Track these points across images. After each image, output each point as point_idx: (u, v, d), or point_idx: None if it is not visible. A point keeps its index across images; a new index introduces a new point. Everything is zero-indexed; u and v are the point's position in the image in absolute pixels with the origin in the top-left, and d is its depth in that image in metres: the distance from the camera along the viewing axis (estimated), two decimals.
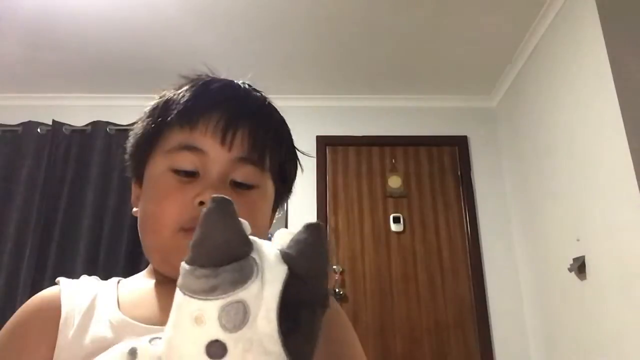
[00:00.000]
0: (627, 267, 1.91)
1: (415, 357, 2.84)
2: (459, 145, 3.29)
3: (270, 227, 0.68)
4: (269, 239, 0.35)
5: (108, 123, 3.06)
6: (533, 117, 2.78)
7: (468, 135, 3.31)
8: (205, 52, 2.83)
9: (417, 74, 3.14)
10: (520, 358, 2.83)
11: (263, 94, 0.64)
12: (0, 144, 3.06)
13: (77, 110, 3.20)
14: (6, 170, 2.97)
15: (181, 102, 0.58)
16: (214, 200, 0.32)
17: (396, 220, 3.09)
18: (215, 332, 0.29)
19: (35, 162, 2.98)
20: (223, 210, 0.32)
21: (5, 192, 2.92)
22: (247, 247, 0.32)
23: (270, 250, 0.33)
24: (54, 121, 3.08)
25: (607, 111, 2.03)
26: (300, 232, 0.34)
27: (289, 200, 0.70)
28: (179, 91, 0.59)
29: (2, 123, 3.13)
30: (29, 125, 3.09)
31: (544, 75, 2.64)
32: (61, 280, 0.59)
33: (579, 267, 2.21)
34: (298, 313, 0.31)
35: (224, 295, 0.30)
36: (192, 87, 0.59)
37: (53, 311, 0.53)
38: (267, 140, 0.59)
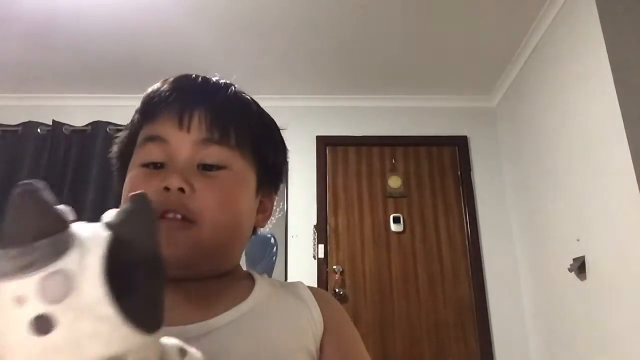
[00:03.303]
0: (627, 267, 1.91)
1: (415, 357, 2.84)
2: (459, 145, 3.29)
3: (268, 218, 0.66)
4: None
5: (108, 123, 3.06)
6: (533, 117, 2.78)
7: (468, 135, 3.31)
8: (205, 52, 2.83)
9: (417, 74, 3.14)
10: (520, 358, 2.83)
11: (228, 82, 0.63)
12: (0, 144, 3.06)
13: (77, 110, 3.20)
14: (6, 170, 2.97)
15: (144, 100, 0.60)
16: (20, 185, 0.31)
17: (396, 220, 3.09)
18: (39, 307, 0.28)
19: (35, 162, 2.98)
20: (29, 192, 0.31)
21: (5, 192, 2.92)
22: (61, 223, 0.31)
23: (93, 224, 0.33)
24: (54, 121, 3.08)
25: (607, 111, 2.03)
26: (124, 205, 0.34)
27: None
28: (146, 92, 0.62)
29: (2, 123, 3.13)
30: (29, 125, 3.09)
31: (544, 75, 2.64)
32: None
33: (579, 267, 2.21)
34: (131, 275, 0.31)
35: (41, 269, 0.29)
36: (155, 86, 0.62)
37: None
38: (228, 119, 0.58)
